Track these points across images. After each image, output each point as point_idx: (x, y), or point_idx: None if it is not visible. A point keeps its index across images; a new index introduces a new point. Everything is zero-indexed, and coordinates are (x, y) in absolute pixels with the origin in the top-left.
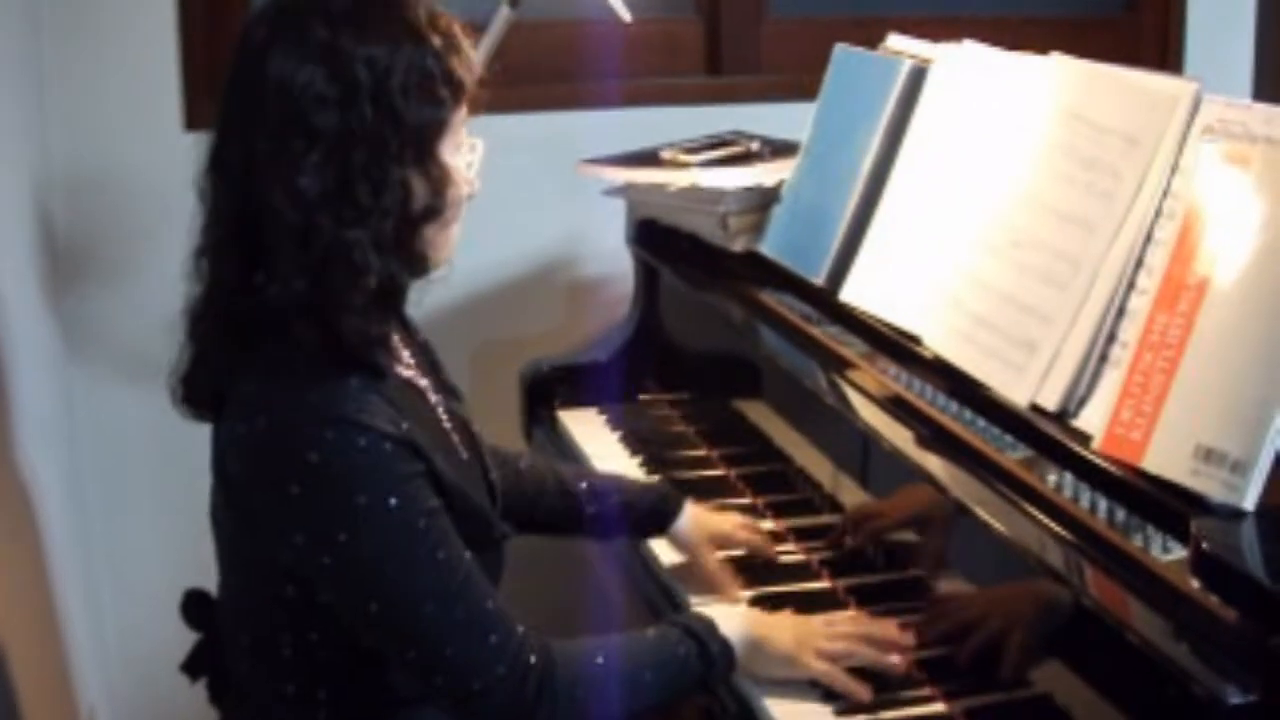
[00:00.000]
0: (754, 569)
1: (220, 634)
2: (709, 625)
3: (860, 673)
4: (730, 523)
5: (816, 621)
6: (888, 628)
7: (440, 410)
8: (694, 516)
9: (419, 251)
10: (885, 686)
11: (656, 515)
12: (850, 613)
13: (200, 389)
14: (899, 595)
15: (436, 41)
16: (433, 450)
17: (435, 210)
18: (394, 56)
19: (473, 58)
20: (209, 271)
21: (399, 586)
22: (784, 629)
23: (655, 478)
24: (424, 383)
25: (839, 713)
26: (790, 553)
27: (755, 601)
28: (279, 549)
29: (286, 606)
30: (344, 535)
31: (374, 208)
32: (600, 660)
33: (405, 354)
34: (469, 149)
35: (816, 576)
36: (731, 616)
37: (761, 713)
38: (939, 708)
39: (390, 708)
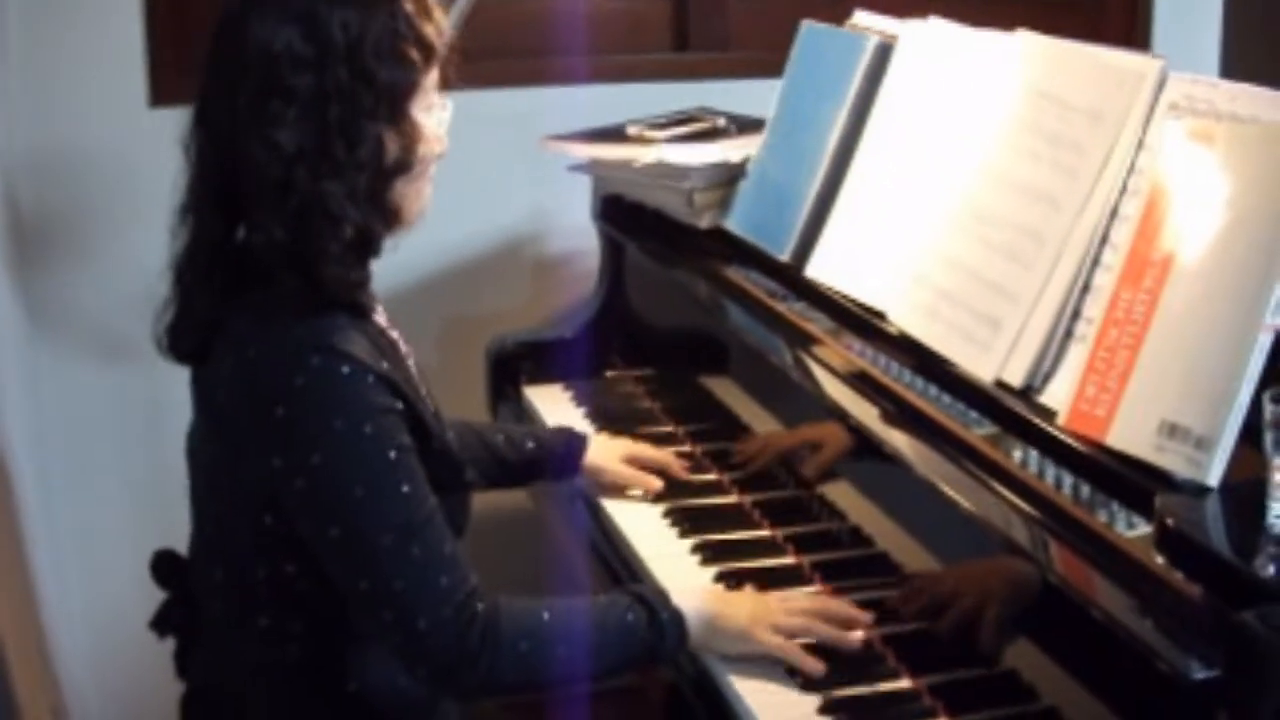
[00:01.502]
0: (717, 547)
1: (189, 589)
2: (661, 595)
3: (824, 651)
4: (626, 442)
5: (773, 598)
6: (845, 605)
7: (410, 363)
8: (600, 445)
9: (391, 204)
10: (851, 663)
11: (569, 456)
12: (807, 589)
13: (186, 338)
14: (865, 572)
15: (408, 6)
16: (408, 391)
17: (406, 164)
18: (367, 20)
19: (442, 23)
20: (193, 225)
21: (362, 513)
22: (740, 605)
23: None
24: (395, 334)
25: (804, 688)
26: (756, 528)
27: (720, 578)
28: (260, 474)
29: (264, 537)
30: (318, 458)
31: (349, 162)
32: (546, 616)
33: (379, 308)
34: (440, 108)
35: (782, 552)
36: (688, 592)
37: (726, 687)
38: (904, 684)
39: (359, 642)
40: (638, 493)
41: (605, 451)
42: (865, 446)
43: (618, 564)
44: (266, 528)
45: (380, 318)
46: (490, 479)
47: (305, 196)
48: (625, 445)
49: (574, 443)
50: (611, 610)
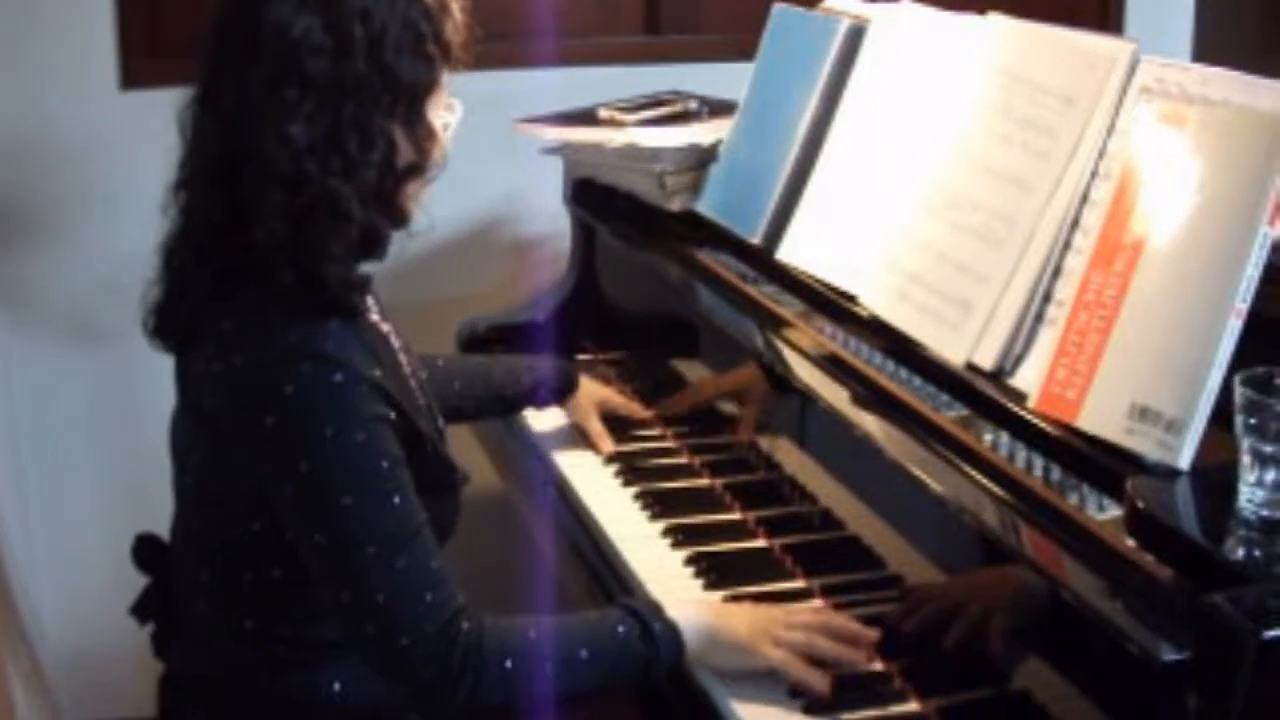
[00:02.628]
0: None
1: (171, 577)
2: (654, 607)
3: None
4: (607, 391)
5: (775, 610)
6: (849, 622)
7: (401, 355)
8: (587, 388)
9: (400, 205)
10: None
11: (561, 388)
12: (812, 604)
13: (173, 321)
14: (836, 555)
15: (430, 1)
16: (401, 397)
17: (419, 168)
18: (389, 11)
19: (460, 21)
20: (189, 207)
21: (348, 522)
22: (739, 617)
23: None
24: (387, 328)
25: (790, 694)
26: (727, 511)
27: (690, 561)
28: (249, 481)
29: (252, 542)
30: (306, 465)
31: (361, 160)
32: (532, 634)
33: (370, 299)
34: (447, 109)
35: (753, 535)
36: (685, 604)
37: (719, 700)
38: (875, 665)
39: (347, 650)
40: (602, 466)
41: (586, 397)
42: (834, 427)
43: (588, 547)
44: (254, 533)
45: (373, 314)
46: (487, 413)
47: (313, 193)
48: (604, 395)
49: (563, 376)
50: (602, 625)
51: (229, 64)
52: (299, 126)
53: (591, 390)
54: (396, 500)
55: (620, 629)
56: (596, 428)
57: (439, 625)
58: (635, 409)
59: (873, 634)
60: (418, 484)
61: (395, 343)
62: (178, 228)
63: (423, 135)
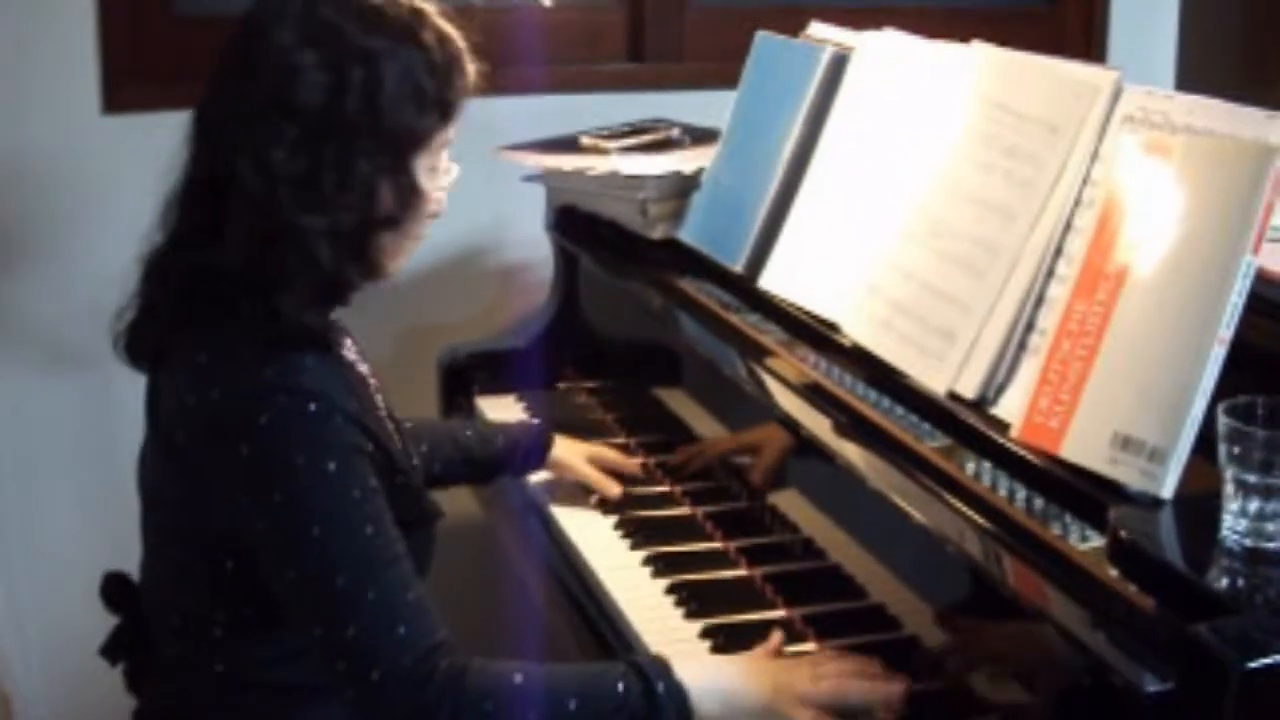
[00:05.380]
0: (668, 557)
1: (142, 616)
2: (661, 665)
3: None
4: (591, 446)
5: (801, 663)
6: (875, 665)
7: (378, 397)
8: (564, 443)
9: (373, 255)
10: None
11: (536, 450)
12: (833, 653)
13: (145, 340)
14: (818, 584)
15: (438, 57)
16: (378, 432)
17: (395, 220)
18: (391, 57)
19: (470, 84)
20: (171, 225)
21: (318, 552)
22: (760, 675)
23: None
24: (364, 369)
25: None
26: (708, 540)
27: (671, 590)
28: (224, 516)
29: (223, 583)
30: (279, 495)
31: (335, 200)
32: (518, 679)
33: (347, 340)
34: (445, 172)
35: (734, 565)
36: (697, 664)
37: None
38: None
39: (320, 692)
40: (593, 498)
41: (569, 450)
42: (816, 456)
43: (569, 575)
44: (227, 573)
45: (349, 352)
46: (458, 477)
47: (283, 223)
48: (588, 446)
49: (540, 438)
50: (598, 678)
51: (225, 82)
52: (280, 154)
53: (573, 445)
54: (369, 530)
55: (620, 685)
56: (594, 475)
57: (414, 659)
58: (627, 461)
59: (901, 685)
60: (394, 519)
61: (373, 383)
62: (158, 243)
63: (406, 188)
